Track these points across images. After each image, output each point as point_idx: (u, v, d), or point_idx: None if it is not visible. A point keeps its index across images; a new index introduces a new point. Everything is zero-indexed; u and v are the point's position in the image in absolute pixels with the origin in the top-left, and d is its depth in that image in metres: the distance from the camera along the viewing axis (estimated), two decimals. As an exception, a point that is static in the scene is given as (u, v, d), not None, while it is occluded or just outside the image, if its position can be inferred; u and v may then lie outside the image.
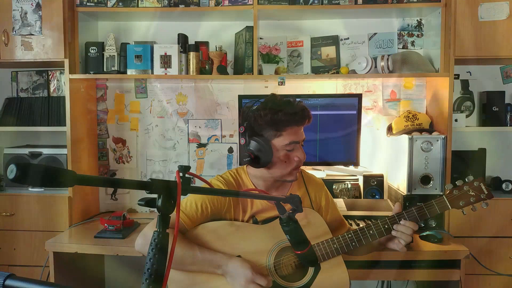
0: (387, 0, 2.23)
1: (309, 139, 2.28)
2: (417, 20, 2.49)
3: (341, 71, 2.35)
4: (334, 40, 2.50)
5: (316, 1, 2.25)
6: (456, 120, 2.33)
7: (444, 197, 1.47)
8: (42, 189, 2.33)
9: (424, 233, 2.03)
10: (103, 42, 2.43)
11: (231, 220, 1.51)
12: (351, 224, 2.05)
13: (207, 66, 2.39)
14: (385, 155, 2.49)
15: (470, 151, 2.44)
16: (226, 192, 1.35)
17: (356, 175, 2.41)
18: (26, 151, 2.42)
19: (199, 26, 2.53)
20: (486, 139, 2.48)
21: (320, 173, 2.40)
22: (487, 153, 2.44)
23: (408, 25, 2.50)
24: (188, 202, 1.45)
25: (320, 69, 2.50)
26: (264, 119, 1.42)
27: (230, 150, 2.59)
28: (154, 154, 2.62)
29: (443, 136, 2.13)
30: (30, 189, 2.35)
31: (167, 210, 0.80)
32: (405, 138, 2.17)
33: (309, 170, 2.40)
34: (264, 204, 1.52)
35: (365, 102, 2.46)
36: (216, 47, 2.42)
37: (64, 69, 2.28)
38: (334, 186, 2.33)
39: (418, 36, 2.50)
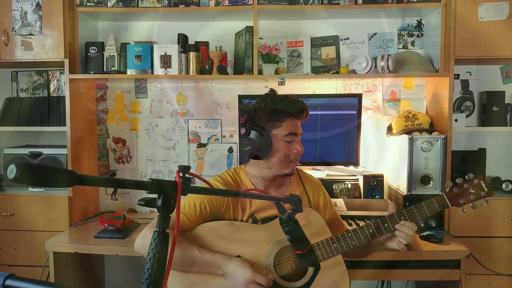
0: (387, 0, 2.23)
1: (309, 139, 2.29)
2: (417, 20, 2.49)
3: (341, 71, 2.35)
4: (334, 40, 2.50)
5: (316, 1, 2.25)
6: (456, 120, 2.33)
7: (444, 195, 1.47)
8: (42, 189, 2.33)
9: (424, 233, 2.03)
10: (103, 42, 2.43)
11: (230, 220, 1.51)
12: (350, 224, 2.05)
13: (207, 66, 2.39)
14: (385, 155, 2.49)
15: (470, 151, 2.44)
16: (226, 192, 1.35)
17: (356, 175, 2.41)
18: (26, 151, 2.42)
19: (199, 26, 2.53)
20: (486, 139, 2.49)
21: (320, 173, 2.40)
22: (487, 153, 2.44)
23: (408, 25, 2.50)
24: (187, 202, 1.45)
25: (320, 69, 2.50)
26: (264, 110, 1.47)
27: (230, 150, 2.59)
28: (154, 154, 2.62)
29: (443, 136, 2.14)
30: (30, 189, 2.35)
31: (167, 210, 0.80)
32: (405, 138, 2.17)
33: (309, 170, 2.40)
34: (263, 203, 1.53)
35: (365, 102, 2.46)
36: (216, 47, 2.42)
37: (64, 69, 2.28)
38: (334, 186, 2.33)
39: (418, 36, 2.50)
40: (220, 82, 2.54)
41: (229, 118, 2.57)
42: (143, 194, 0.80)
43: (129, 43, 2.39)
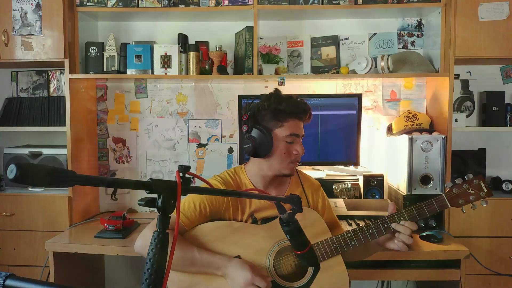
0: (387, 0, 2.23)
1: (309, 139, 2.29)
2: (417, 20, 2.49)
3: (341, 71, 2.35)
4: (334, 40, 2.50)
5: (316, 1, 2.25)
6: (456, 120, 2.33)
7: (444, 196, 1.47)
8: (42, 189, 2.33)
9: (424, 233, 2.03)
10: (103, 42, 2.43)
11: (230, 220, 1.51)
12: (350, 224, 2.05)
13: (207, 66, 2.39)
14: (385, 155, 2.49)
15: (470, 151, 2.44)
16: (226, 192, 1.35)
17: (356, 175, 2.41)
18: (26, 151, 2.42)
19: (199, 26, 2.53)
20: (486, 139, 2.49)
21: (320, 173, 2.40)
22: (487, 153, 2.44)
23: (408, 25, 2.50)
24: (187, 202, 1.45)
25: (320, 69, 2.50)
26: (267, 109, 1.48)
27: (230, 150, 2.59)
28: (154, 154, 2.62)
29: (443, 136, 2.14)
30: (30, 189, 2.35)
31: (167, 210, 0.80)
32: (405, 138, 2.17)
33: (309, 170, 2.41)
34: (262, 203, 1.53)
35: (365, 102, 2.46)
36: (216, 47, 2.42)
37: (64, 69, 2.28)
38: (334, 186, 2.33)
39: (418, 36, 2.50)
40: (220, 82, 2.54)
41: (229, 118, 2.57)
42: (143, 194, 0.80)
43: (129, 43, 2.39)
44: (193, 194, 1.43)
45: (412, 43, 2.50)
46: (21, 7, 2.22)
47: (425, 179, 2.15)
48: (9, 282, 0.65)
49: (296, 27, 2.52)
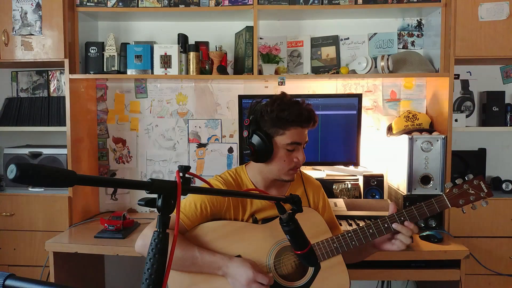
0: (387, 0, 2.23)
1: (309, 139, 2.28)
2: (417, 20, 2.49)
3: (341, 71, 2.35)
4: (334, 40, 2.50)
5: (316, 1, 2.25)
6: (456, 120, 2.33)
7: (444, 196, 1.47)
8: (42, 189, 2.33)
9: (424, 233, 2.03)
10: (103, 42, 2.43)
11: (230, 220, 1.51)
12: (350, 224, 2.05)
13: (207, 66, 2.39)
14: (385, 155, 2.49)
15: (470, 151, 2.44)
16: (226, 192, 1.35)
17: (356, 175, 2.41)
18: (26, 151, 2.42)
19: (199, 26, 2.53)
20: (486, 139, 2.49)
21: (320, 173, 2.40)
22: (487, 153, 2.44)
23: (408, 25, 2.50)
24: (188, 202, 1.45)
25: (320, 69, 2.50)
26: (270, 115, 1.44)
27: (230, 150, 2.59)
28: (154, 154, 2.62)
29: (443, 136, 2.14)
30: (30, 189, 2.35)
31: (167, 210, 0.80)
32: (405, 138, 2.17)
33: (309, 169, 2.41)
34: (263, 203, 1.53)
35: (365, 102, 2.46)
36: (216, 47, 2.42)
37: (64, 69, 2.28)
38: (334, 186, 2.33)
39: (418, 36, 2.50)
40: (220, 82, 2.54)
41: (229, 118, 2.57)
42: (143, 194, 0.80)
43: (129, 43, 2.39)
44: (194, 194, 1.43)
45: (412, 43, 2.50)
46: (21, 7, 2.22)
47: (425, 179, 2.15)
48: (9, 282, 0.65)
49: (296, 27, 2.53)
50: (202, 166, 2.60)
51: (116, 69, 2.39)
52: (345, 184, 2.34)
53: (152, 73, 2.33)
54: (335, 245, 1.45)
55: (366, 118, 2.49)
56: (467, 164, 2.38)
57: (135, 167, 2.63)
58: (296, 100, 1.49)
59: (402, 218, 1.46)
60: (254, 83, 2.53)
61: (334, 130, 2.29)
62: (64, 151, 2.35)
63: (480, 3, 2.13)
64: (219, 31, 2.53)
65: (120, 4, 2.30)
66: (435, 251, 1.90)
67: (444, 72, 2.23)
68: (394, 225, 1.45)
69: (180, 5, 2.29)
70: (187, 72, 2.36)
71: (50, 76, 2.58)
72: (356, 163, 2.32)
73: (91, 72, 2.38)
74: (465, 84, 2.47)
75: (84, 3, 2.31)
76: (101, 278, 2.65)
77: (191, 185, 0.86)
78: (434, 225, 2.15)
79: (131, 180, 0.79)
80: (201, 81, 2.55)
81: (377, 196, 2.30)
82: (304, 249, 1.20)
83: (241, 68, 2.38)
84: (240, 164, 2.42)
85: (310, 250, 1.22)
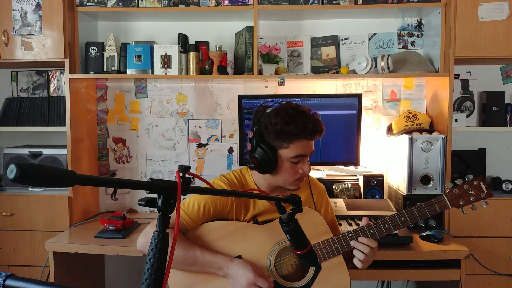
0: (387, 0, 2.23)
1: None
2: (417, 20, 2.49)
3: (341, 71, 2.35)
4: (334, 40, 2.50)
5: (316, 1, 2.25)
6: (456, 120, 2.33)
7: (444, 196, 1.47)
8: (42, 189, 2.33)
9: (424, 233, 2.03)
10: (103, 42, 2.43)
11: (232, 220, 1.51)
12: (350, 224, 2.05)
13: (207, 66, 2.39)
14: (385, 155, 2.49)
15: (470, 151, 2.44)
16: (226, 192, 1.35)
17: (356, 175, 2.41)
18: (26, 151, 2.42)
19: (199, 26, 2.53)
20: (486, 139, 2.49)
21: (320, 173, 2.40)
22: (487, 153, 2.44)
23: (408, 25, 2.50)
24: (191, 202, 1.45)
25: (320, 69, 2.50)
26: (274, 128, 1.40)
27: (230, 150, 2.59)
28: (154, 154, 2.62)
29: (443, 136, 2.14)
30: (30, 189, 2.35)
31: (167, 210, 0.80)
32: (405, 138, 2.17)
33: (309, 170, 2.40)
34: (266, 206, 1.52)
35: (365, 102, 2.46)
36: (216, 47, 2.42)
37: (64, 69, 2.28)
38: (334, 186, 2.33)
39: (418, 36, 2.50)
40: (220, 82, 2.54)
41: (229, 118, 2.57)
42: (143, 194, 0.80)
43: (129, 43, 2.39)
44: (196, 194, 1.43)
45: (412, 43, 2.50)
46: (21, 7, 2.22)
47: (425, 179, 2.15)
48: (9, 282, 0.65)
49: (296, 27, 2.52)
50: (202, 166, 2.60)
51: (116, 69, 2.39)
52: (345, 184, 2.34)
53: (152, 73, 2.33)
54: (335, 245, 1.45)
55: (366, 118, 2.49)
56: (467, 164, 2.38)
57: (135, 167, 2.63)
58: (302, 110, 1.43)
59: (403, 219, 1.46)
60: (254, 83, 2.53)
61: (334, 130, 2.29)
62: (64, 151, 2.35)
63: (480, 3, 2.13)
64: (219, 31, 2.53)
65: (120, 4, 2.30)
66: (435, 251, 1.90)
67: (444, 72, 2.23)
68: (352, 243, 1.42)
69: (180, 5, 2.29)
70: (187, 72, 2.36)
71: (50, 76, 2.58)
72: (356, 163, 2.32)
73: (91, 72, 2.38)
74: (465, 84, 2.47)
75: (84, 3, 2.31)
76: (101, 278, 2.65)
77: (191, 185, 0.86)
78: (434, 225, 2.15)
79: (131, 180, 0.79)
80: (201, 81, 2.55)
81: (377, 196, 2.30)
82: (304, 249, 1.21)
83: (241, 68, 2.38)
84: (240, 164, 2.43)
85: (310, 250, 1.22)
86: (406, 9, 2.32)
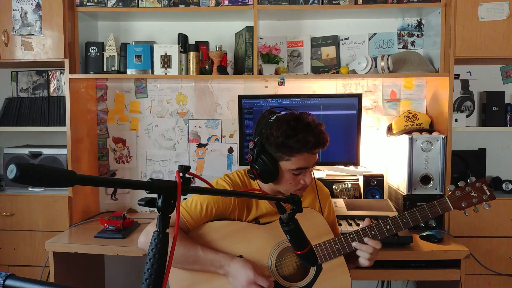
0: (387, 0, 2.23)
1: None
2: (417, 20, 2.49)
3: (341, 71, 2.35)
4: (334, 40, 2.50)
5: (316, 1, 2.25)
6: (456, 120, 2.33)
7: (446, 198, 1.47)
8: (42, 189, 2.33)
9: (424, 233, 2.03)
10: (103, 42, 2.43)
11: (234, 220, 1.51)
12: (350, 224, 2.05)
13: (207, 66, 2.39)
14: (385, 155, 2.49)
15: (470, 151, 2.44)
16: (226, 192, 1.35)
17: (356, 175, 2.41)
18: (26, 151, 2.42)
19: (199, 26, 2.53)
20: (486, 139, 2.49)
21: (320, 173, 2.40)
22: (487, 153, 2.44)
23: (408, 25, 2.50)
24: (194, 202, 1.45)
25: (320, 69, 2.50)
26: (275, 140, 1.38)
27: (230, 150, 2.59)
28: (154, 154, 2.62)
29: (443, 136, 2.14)
30: (30, 189, 2.35)
31: (167, 210, 0.80)
32: (405, 138, 2.17)
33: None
34: (268, 209, 1.52)
35: (365, 102, 2.46)
36: (216, 47, 2.42)
37: (64, 69, 2.28)
38: (334, 186, 2.33)
39: (418, 36, 2.50)
40: (220, 82, 2.54)
41: (229, 118, 2.57)
42: (143, 194, 0.80)
43: (129, 43, 2.39)
44: (194, 194, 1.43)
45: (412, 43, 2.50)
46: (21, 7, 2.22)
47: (425, 179, 2.15)
48: (9, 282, 0.65)
49: (296, 27, 2.52)
50: (202, 166, 2.60)
51: (116, 69, 2.39)
52: (345, 184, 2.34)
53: (152, 73, 2.33)
54: (337, 246, 1.45)
55: (366, 118, 2.49)
56: (467, 164, 2.38)
57: (135, 167, 2.63)
58: (305, 123, 1.40)
59: (404, 220, 1.46)
60: (254, 83, 2.53)
61: (334, 130, 2.29)
62: (64, 151, 2.35)
63: (480, 3, 2.13)
64: (219, 31, 2.53)
65: (120, 4, 2.30)
66: (435, 251, 1.90)
67: (444, 72, 2.23)
68: (354, 244, 1.44)
69: (180, 5, 2.29)
70: (187, 72, 2.36)
71: (50, 76, 2.58)
72: (356, 163, 2.32)
73: (91, 72, 2.38)
74: (465, 84, 2.47)
75: (84, 3, 2.31)
76: (101, 278, 2.65)
77: (191, 185, 0.86)
78: (434, 225, 2.15)
79: (131, 180, 0.79)
80: (201, 81, 2.55)
81: (377, 196, 2.30)
82: (304, 249, 1.21)
83: (241, 68, 2.38)
84: (240, 164, 2.43)
85: (310, 250, 1.22)
86: (406, 9, 2.32)
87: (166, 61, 2.32)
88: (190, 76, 2.36)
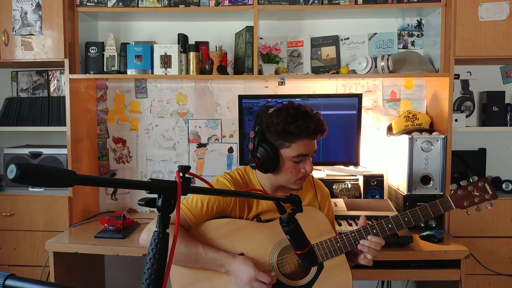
0: (387, 0, 2.23)
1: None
2: (417, 20, 2.49)
3: (341, 71, 2.35)
4: (334, 40, 2.50)
5: (316, 1, 2.25)
6: (456, 120, 2.33)
7: (448, 197, 1.47)
8: (42, 189, 2.33)
9: (424, 233, 2.03)
10: (103, 42, 2.43)
11: (235, 218, 1.51)
12: (350, 224, 2.05)
13: (207, 66, 2.39)
14: (385, 155, 2.49)
15: (470, 151, 2.44)
16: (225, 192, 1.35)
17: (356, 175, 2.41)
18: (26, 151, 2.42)
19: (199, 26, 2.53)
20: (486, 139, 2.49)
21: (320, 173, 2.40)
22: (487, 153, 2.44)
23: (408, 25, 2.50)
24: (194, 199, 1.46)
25: (320, 69, 2.50)
26: (275, 128, 1.41)
27: (230, 150, 2.59)
28: (154, 154, 2.62)
29: (443, 136, 2.14)
30: (30, 189, 2.35)
31: (167, 210, 0.80)
32: (405, 138, 2.17)
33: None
34: (269, 205, 1.52)
35: (365, 102, 2.46)
36: (216, 47, 2.42)
37: (64, 69, 2.28)
38: (334, 186, 2.33)
39: (418, 36, 2.50)
40: (220, 82, 2.54)
41: (229, 118, 2.57)
42: (143, 194, 0.80)
43: (129, 43, 2.39)
44: (195, 194, 1.43)
45: (412, 43, 2.50)
46: (21, 7, 2.22)
47: (425, 179, 2.15)
48: (9, 282, 0.65)
49: (296, 27, 2.52)
50: (202, 166, 2.60)
51: (116, 69, 2.39)
52: (345, 184, 2.34)
53: (152, 73, 2.33)
54: (338, 244, 1.45)
55: (366, 118, 2.49)
56: (467, 164, 2.38)
57: (135, 167, 2.63)
58: (304, 110, 1.43)
59: (406, 219, 1.46)
60: (254, 83, 2.53)
61: (334, 130, 2.29)
62: (64, 151, 2.35)
63: (480, 3, 2.13)
64: (219, 31, 2.53)
65: (120, 4, 2.30)
66: (435, 251, 1.90)
67: (444, 72, 2.23)
68: (362, 241, 1.45)
69: (180, 5, 2.29)
70: (187, 72, 2.36)
71: (50, 76, 2.58)
72: (356, 163, 2.32)
73: (91, 72, 2.38)
74: (465, 84, 2.47)
75: (84, 3, 2.31)
76: (101, 278, 2.65)
77: (191, 185, 0.86)
78: (434, 225, 2.15)
79: (131, 180, 0.79)
80: (201, 81, 2.55)
81: (377, 196, 2.30)
82: (304, 249, 1.21)
83: (241, 68, 2.38)
84: (240, 164, 2.43)
85: (310, 250, 1.22)
86: (406, 9, 2.32)
87: (166, 61, 2.32)
88: (190, 76, 2.36)
